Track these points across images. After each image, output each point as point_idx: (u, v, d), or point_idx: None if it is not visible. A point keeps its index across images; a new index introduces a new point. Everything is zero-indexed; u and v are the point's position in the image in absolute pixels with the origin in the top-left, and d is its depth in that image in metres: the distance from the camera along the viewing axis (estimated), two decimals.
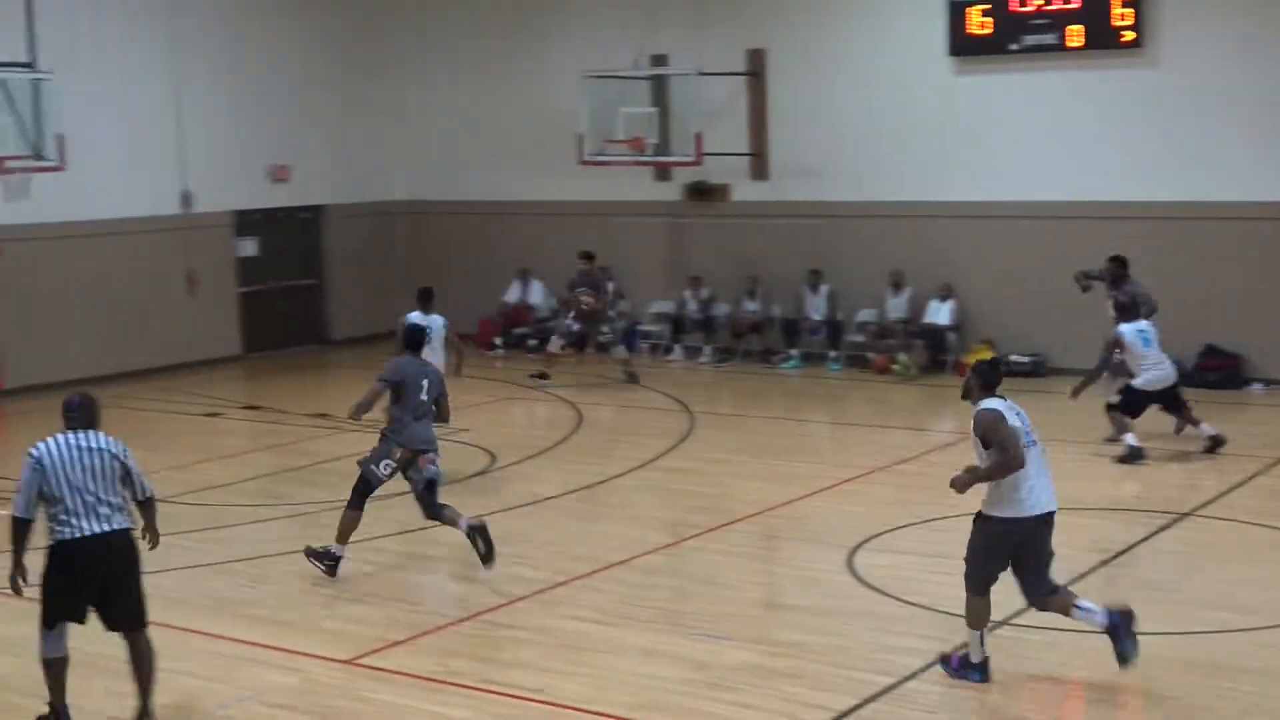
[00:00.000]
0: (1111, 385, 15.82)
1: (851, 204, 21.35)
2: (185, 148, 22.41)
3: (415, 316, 15.68)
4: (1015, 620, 10.09)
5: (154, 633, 9.49)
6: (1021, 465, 8.84)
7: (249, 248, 23.72)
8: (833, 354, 21.28)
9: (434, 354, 15.47)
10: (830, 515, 13.40)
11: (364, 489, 11.81)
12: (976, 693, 9.04)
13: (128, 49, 21.70)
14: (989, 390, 9.17)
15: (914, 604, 10.58)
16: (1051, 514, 9.08)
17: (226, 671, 9.81)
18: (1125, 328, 14.96)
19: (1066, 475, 14.51)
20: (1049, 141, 19.92)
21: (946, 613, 9.62)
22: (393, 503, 13.82)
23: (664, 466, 15.53)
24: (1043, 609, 9.28)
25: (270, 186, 23.86)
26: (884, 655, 9.64)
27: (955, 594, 10.06)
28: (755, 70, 21.90)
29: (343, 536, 11.74)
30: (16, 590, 8.63)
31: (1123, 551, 12.03)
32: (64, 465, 8.48)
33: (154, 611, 10.68)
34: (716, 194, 22.55)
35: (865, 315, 21.43)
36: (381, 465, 11.81)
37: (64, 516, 8.44)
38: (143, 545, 8.91)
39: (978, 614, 9.20)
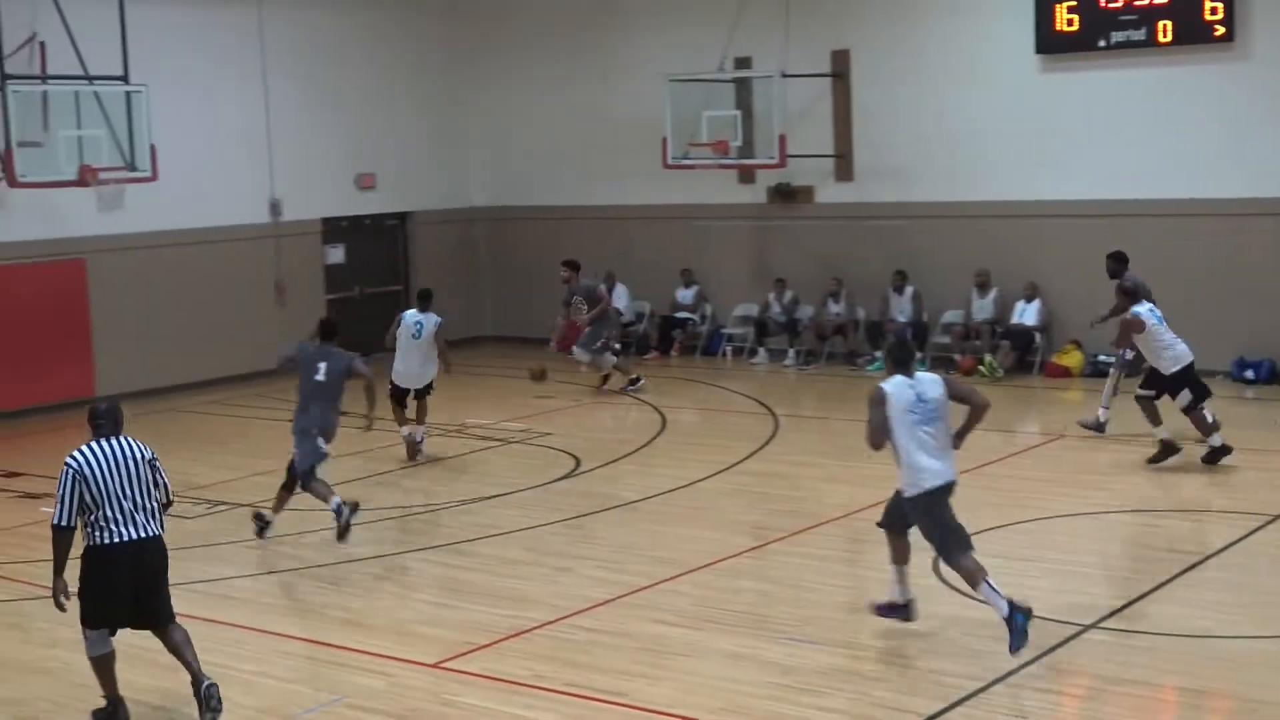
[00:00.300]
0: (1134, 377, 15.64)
1: (936, 204, 21.19)
2: (274, 157, 22.70)
3: (411, 314, 16.68)
4: (1105, 624, 9.97)
5: (242, 635, 9.61)
6: (874, 448, 9.76)
7: (336, 255, 23.98)
8: (918, 356, 21.09)
9: (426, 350, 16.42)
10: None
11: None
12: (1068, 697, 8.93)
13: (217, 61, 22.02)
14: (897, 368, 9.85)
15: None
16: (949, 485, 9.71)
17: (312, 675, 9.89)
18: (1139, 308, 14.72)
19: (1153, 477, 14.40)
20: (1138, 139, 19.64)
21: (1037, 616, 9.48)
22: (477, 507, 13.91)
23: (748, 470, 15.48)
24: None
25: (357, 194, 24.12)
26: (972, 659, 9.52)
27: (1044, 597, 9.99)
28: (839, 71, 21.79)
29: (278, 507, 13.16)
30: (60, 607, 8.76)
31: (1214, 554, 11.82)
32: (102, 473, 8.61)
33: (240, 615, 10.87)
34: (800, 196, 22.48)
35: (951, 316, 21.26)
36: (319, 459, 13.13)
37: (102, 523, 8.60)
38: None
39: (973, 571, 9.57)
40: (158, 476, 8.85)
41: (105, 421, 8.86)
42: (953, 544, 9.67)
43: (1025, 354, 20.39)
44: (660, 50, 23.02)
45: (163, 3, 21.06)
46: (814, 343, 22.09)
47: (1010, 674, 9.19)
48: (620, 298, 23.74)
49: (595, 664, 9.75)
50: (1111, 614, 10.22)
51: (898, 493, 9.89)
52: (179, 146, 20.28)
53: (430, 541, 12.99)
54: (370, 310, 24.28)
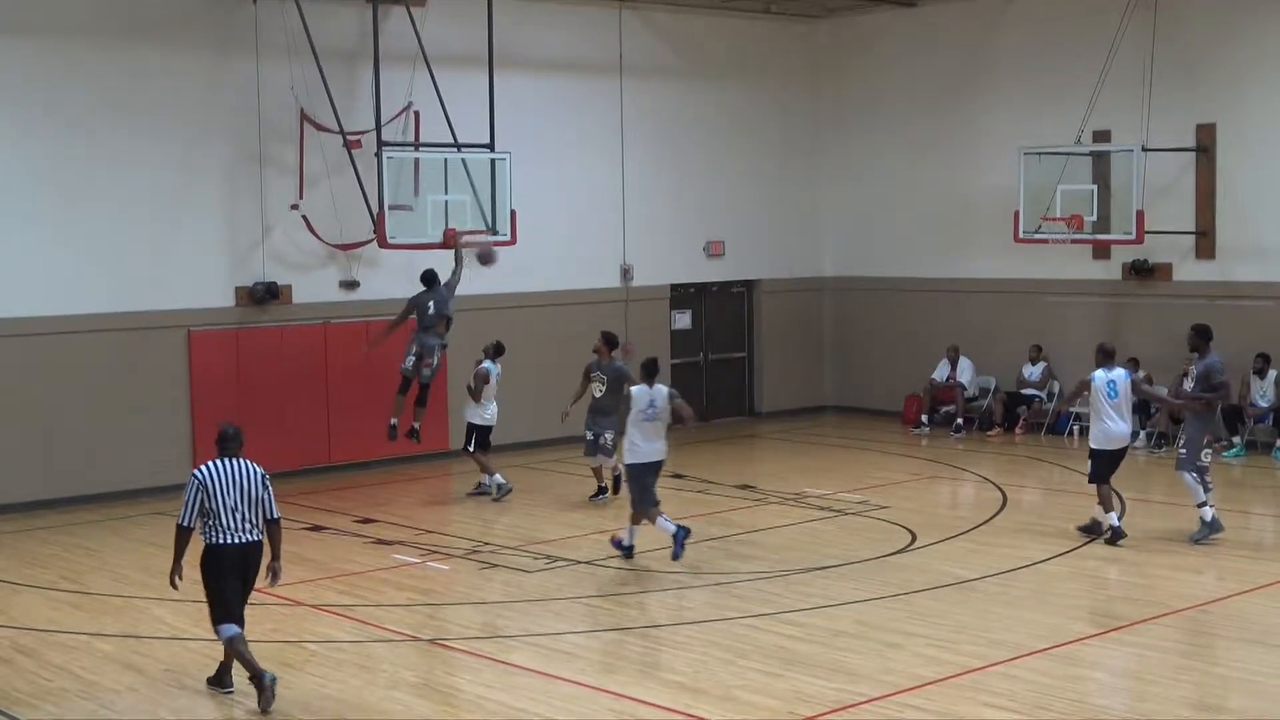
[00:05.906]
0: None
1: None
2: (626, 225, 23.34)
3: (487, 364, 18.56)
4: None
5: (575, 691, 9.80)
6: (620, 431, 14.88)
7: (683, 320, 24.42)
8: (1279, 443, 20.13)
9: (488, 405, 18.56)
10: (1270, 614, 12.63)
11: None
12: None
13: (577, 130, 22.86)
14: (646, 378, 14.68)
15: None
16: (653, 463, 14.56)
17: None
18: (1097, 372, 15.21)
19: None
20: None
21: None
22: (810, 577, 13.88)
23: (1091, 554, 15.00)
24: (645, 517, 14.55)
25: (705, 261, 24.55)
26: None
27: None
28: (1204, 146, 21.04)
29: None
30: (174, 585, 10.43)
31: None
32: (221, 485, 10.24)
33: (573, 671, 11.09)
34: (1158, 273, 21.76)
35: None
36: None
37: (218, 527, 10.23)
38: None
39: (653, 514, 14.50)
40: (266, 495, 10.38)
41: (232, 443, 10.47)
42: (646, 500, 14.44)
43: None
44: (1015, 122, 22.73)
45: (528, 74, 21.98)
46: (1166, 424, 21.26)
47: None
48: (965, 372, 23.45)
49: None
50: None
51: (627, 467, 14.62)
52: (537, 212, 21.05)
53: (762, 609, 13.02)
54: (715, 375, 24.65)
